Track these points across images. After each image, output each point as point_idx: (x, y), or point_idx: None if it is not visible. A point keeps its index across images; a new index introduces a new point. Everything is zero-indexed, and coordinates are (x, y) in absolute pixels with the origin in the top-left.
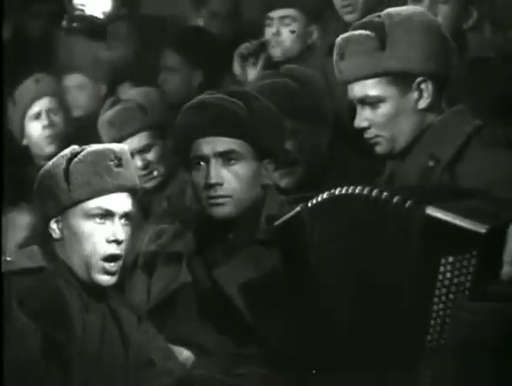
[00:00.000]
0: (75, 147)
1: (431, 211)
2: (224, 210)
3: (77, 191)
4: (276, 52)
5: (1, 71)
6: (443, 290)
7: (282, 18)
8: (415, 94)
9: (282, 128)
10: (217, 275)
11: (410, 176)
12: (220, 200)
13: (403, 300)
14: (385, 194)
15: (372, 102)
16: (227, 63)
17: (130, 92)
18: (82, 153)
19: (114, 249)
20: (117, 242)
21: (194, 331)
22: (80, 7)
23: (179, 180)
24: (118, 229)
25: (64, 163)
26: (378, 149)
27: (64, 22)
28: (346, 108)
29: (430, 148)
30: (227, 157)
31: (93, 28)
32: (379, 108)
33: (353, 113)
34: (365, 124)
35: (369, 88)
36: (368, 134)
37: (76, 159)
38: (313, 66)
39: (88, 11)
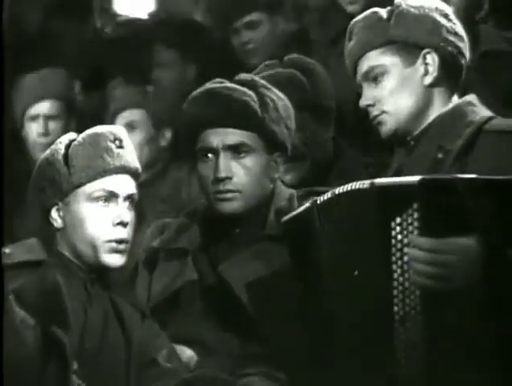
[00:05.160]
0: (72, 134)
1: (378, 181)
2: (232, 205)
3: (78, 174)
4: (255, 60)
5: (1, 67)
6: (398, 254)
7: (248, 24)
8: (421, 68)
9: (292, 119)
10: (223, 271)
11: (418, 169)
12: (229, 195)
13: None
14: None
15: (376, 75)
16: (222, 54)
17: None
18: (81, 136)
19: (121, 233)
20: (123, 224)
21: (198, 330)
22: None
23: (171, 178)
24: (123, 211)
25: (63, 149)
26: (383, 130)
27: (108, 30)
28: (349, 103)
29: (439, 140)
30: (237, 150)
31: (140, 32)
32: (383, 81)
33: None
34: (369, 101)
35: (374, 58)
36: (372, 112)
37: (75, 142)
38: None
39: (132, 14)
